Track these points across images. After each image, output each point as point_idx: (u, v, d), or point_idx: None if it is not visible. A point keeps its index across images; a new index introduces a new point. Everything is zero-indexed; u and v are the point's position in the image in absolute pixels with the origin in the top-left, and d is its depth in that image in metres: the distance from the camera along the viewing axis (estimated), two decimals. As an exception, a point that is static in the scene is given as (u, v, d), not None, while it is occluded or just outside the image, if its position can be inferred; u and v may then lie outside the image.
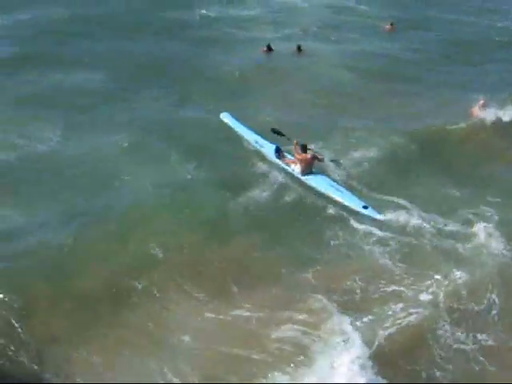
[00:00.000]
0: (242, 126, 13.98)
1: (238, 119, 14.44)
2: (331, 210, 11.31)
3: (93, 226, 11.02)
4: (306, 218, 11.19)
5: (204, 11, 26.78)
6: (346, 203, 11.27)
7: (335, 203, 11.42)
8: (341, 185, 11.94)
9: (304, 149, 12.20)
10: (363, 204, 11.14)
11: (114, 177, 12.73)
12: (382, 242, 10.38)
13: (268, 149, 12.98)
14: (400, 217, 10.86)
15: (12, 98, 16.69)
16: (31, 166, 13.31)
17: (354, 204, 11.19)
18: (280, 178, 12.42)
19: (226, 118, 14.44)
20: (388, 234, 10.52)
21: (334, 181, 12.07)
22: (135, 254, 10.33)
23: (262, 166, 12.91)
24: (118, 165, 13.16)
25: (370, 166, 13.03)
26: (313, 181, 11.95)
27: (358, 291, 9.35)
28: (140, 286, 9.56)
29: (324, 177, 12.08)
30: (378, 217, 10.81)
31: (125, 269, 9.92)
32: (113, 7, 26.32)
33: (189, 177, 12.58)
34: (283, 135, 12.99)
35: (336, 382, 7.66)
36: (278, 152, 12.79)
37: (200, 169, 12.86)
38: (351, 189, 11.93)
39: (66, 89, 17.57)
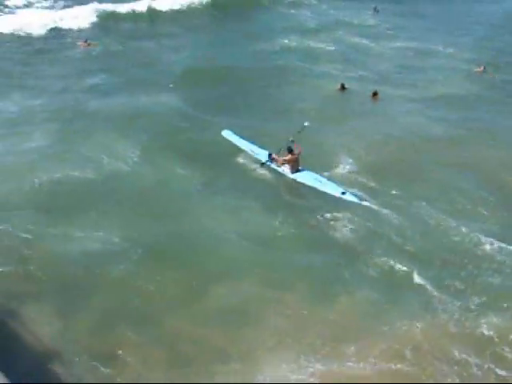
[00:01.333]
0: (241, 140, 15.78)
1: (237, 134, 16.10)
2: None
3: (173, 266, 11.43)
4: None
5: (286, 41, 27.55)
6: (329, 191, 13.45)
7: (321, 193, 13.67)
8: (323, 177, 14.02)
9: (290, 150, 14.22)
10: (342, 190, 13.37)
11: (191, 213, 13.11)
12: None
13: (262, 155, 14.92)
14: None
15: (101, 119, 17.88)
16: (110, 186, 14.08)
17: (335, 191, 13.38)
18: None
19: (227, 135, 16.09)
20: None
21: (317, 174, 14.11)
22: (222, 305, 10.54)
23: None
24: (197, 200, 13.57)
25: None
26: (300, 177, 14.06)
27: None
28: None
29: (309, 172, 14.11)
30: (356, 200, 13.11)
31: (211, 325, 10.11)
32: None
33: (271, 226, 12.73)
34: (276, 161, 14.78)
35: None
36: (271, 156, 14.67)
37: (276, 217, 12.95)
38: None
39: (149, 112, 18.58)
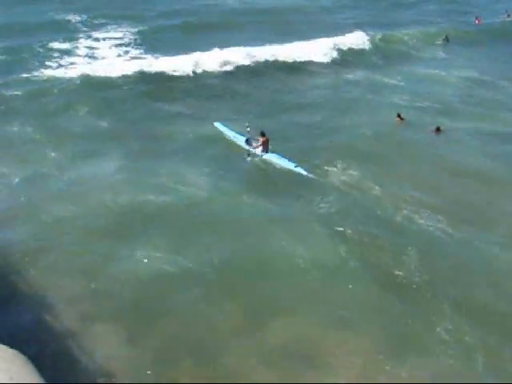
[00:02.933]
0: (230, 131, 19.27)
1: (227, 125, 19.31)
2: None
3: (241, 294, 11.65)
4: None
5: (350, 76, 27.75)
6: (285, 166, 17.12)
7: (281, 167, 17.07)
8: (284, 156, 17.40)
9: (263, 134, 17.76)
10: (295, 165, 16.84)
11: (261, 240, 13.39)
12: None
13: (241, 140, 18.53)
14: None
15: (171, 147, 18.62)
16: (182, 211, 14.54)
17: (290, 165, 16.97)
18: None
19: (218, 125, 19.58)
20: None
21: (279, 154, 17.49)
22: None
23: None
24: (267, 227, 13.86)
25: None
26: (268, 156, 17.77)
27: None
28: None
29: (275, 154, 17.72)
30: (304, 172, 16.57)
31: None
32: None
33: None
34: (251, 143, 18.18)
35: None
36: (248, 141, 18.28)
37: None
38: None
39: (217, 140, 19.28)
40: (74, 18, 36.40)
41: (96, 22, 36.02)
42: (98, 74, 25.25)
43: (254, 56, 28.74)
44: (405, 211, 14.82)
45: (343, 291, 11.80)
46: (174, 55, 27.95)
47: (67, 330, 10.83)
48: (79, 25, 35.17)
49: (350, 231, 13.75)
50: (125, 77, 25.29)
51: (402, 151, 18.74)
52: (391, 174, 16.97)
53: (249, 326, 10.87)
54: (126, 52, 30.35)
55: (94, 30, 33.97)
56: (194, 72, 26.54)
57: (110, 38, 32.55)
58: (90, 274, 12.27)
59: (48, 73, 25.76)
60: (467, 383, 8.97)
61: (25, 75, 25.13)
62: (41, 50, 29.19)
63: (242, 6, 41.53)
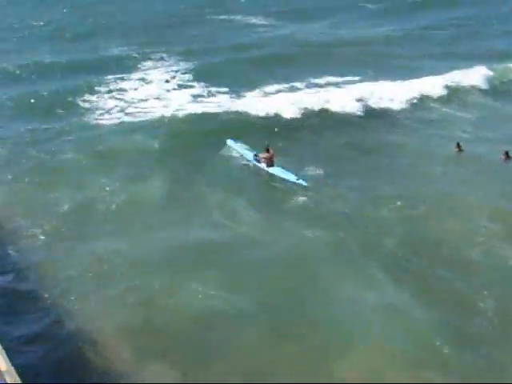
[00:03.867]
0: (240, 147, 20.61)
1: (238, 142, 20.51)
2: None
3: (299, 336, 11.43)
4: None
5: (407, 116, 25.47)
6: (287, 178, 18.45)
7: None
8: (287, 170, 18.72)
9: (267, 150, 19.24)
10: (296, 177, 18.17)
11: (320, 278, 13.15)
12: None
13: (249, 156, 20.05)
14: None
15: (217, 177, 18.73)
16: (236, 248, 14.50)
17: (293, 178, 18.26)
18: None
19: (230, 143, 20.88)
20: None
21: (284, 168, 18.73)
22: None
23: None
24: (327, 266, 13.62)
25: None
26: (272, 170, 19.11)
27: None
28: None
29: (279, 168, 19.01)
30: (304, 183, 17.90)
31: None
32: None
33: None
34: (259, 161, 19.52)
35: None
36: (256, 156, 19.72)
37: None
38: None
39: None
40: (133, 53, 34.07)
41: (154, 56, 33.63)
42: (170, 114, 24.43)
43: (345, 94, 25.92)
44: (479, 247, 14.12)
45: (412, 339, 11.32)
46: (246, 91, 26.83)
47: (123, 365, 10.93)
48: (138, 60, 33.08)
49: (416, 272, 13.26)
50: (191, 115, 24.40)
51: (462, 177, 18.25)
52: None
53: (307, 373, 10.64)
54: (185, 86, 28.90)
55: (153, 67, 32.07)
56: (269, 113, 24.22)
57: (169, 72, 30.96)
58: (144, 308, 12.39)
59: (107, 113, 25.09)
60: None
61: (85, 119, 24.41)
62: (99, 86, 28.20)
63: (325, 38, 36.93)
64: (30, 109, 24.96)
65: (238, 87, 27.26)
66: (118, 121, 23.86)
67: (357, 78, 28.36)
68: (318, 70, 29.50)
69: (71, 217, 16.34)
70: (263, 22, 41.58)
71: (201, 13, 43.57)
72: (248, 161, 19.96)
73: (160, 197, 17.42)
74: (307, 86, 27.76)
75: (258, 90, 26.95)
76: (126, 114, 24.76)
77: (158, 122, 23.42)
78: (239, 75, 28.91)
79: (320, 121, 23.64)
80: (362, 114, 24.43)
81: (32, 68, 30.81)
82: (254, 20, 42.18)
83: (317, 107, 24.53)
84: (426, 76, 28.10)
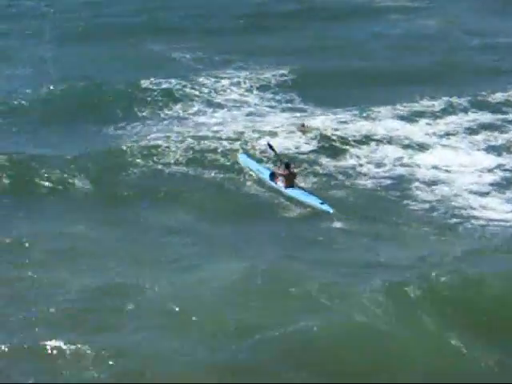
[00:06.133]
0: (255, 164, 18.00)
1: (251, 157, 18.09)
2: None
3: None
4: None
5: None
6: (311, 203, 15.90)
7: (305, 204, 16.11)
8: (310, 192, 16.21)
9: (287, 166, 16.43)
10: (320, 201, 15.71)
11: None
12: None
13: (266, 174, 17.23)
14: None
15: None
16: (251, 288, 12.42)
17: (316, 202, 15.78)
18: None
19: (241, 157, 18.35)
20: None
21: (305, 190, 16.31)
22: None
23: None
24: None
25: None
26: (291, 192, 16.42)
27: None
28: None
29: (299, 189, 16.46)
30: (330, 210, 15.39)
31: None
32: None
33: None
34: (275, 152, 17.21)
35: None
36: (272, 175, 16.91)
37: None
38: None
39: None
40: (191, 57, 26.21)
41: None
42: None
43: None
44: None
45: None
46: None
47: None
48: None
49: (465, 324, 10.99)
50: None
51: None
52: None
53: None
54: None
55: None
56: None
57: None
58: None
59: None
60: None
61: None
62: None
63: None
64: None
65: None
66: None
67: None
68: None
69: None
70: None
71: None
72: (263, 179, 16.93)
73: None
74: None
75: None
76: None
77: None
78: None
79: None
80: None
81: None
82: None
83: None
84: None
